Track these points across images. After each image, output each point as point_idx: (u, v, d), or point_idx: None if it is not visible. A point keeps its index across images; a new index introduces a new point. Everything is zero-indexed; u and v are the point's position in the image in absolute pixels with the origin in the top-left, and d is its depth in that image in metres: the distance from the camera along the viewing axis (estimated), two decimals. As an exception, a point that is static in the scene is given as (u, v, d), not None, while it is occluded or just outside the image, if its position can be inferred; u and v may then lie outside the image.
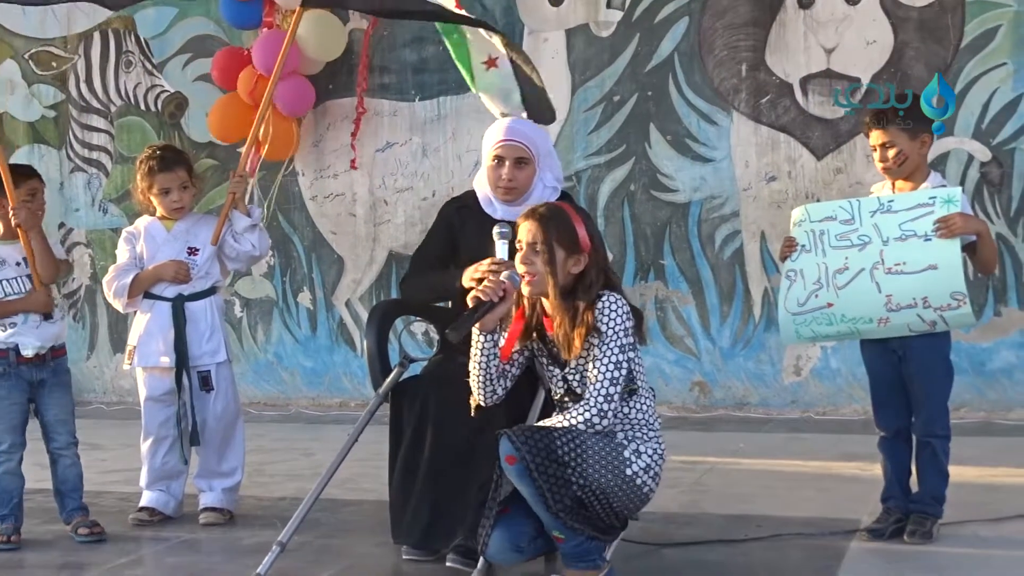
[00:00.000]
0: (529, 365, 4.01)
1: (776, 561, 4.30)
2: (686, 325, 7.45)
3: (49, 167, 8.50)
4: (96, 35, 8.58)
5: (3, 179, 4.83)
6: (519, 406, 4.11)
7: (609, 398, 3.76)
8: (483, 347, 3.89)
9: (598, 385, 3.76)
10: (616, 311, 3.78)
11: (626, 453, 3.77)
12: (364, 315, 7.73)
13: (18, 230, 4.81)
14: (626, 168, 7.49)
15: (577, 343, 3.77)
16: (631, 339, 3.80)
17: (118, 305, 5.09)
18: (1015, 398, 6.90)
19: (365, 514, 5.09)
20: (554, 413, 3.91)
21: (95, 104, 8.63)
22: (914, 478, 4.50)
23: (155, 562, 4.64)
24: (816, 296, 4.42)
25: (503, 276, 3.92)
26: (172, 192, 5.03)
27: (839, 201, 4.56)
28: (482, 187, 4.56)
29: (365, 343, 4.73)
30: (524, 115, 4.90)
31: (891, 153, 4.39)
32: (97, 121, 8.63)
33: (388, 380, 4.37)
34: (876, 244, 4.35)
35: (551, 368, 3.92)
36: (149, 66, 8.47)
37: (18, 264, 4.84)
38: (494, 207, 4.52)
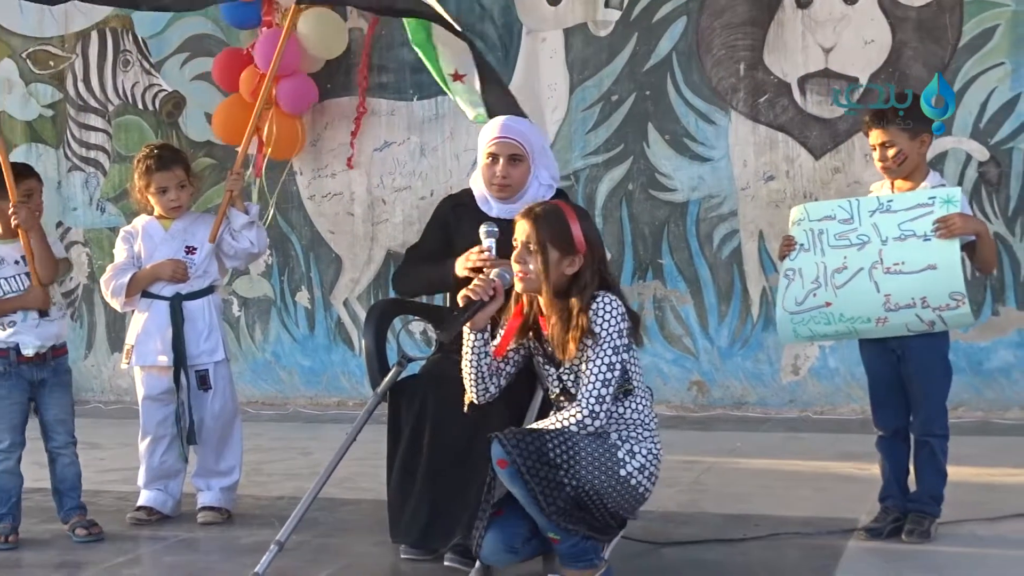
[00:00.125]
0: (527, 364, 4.01)
1: (774, 560, 4.30)
2: (684, 324, 7.45)
3: (47, 166, 8.49)
4: (94, 34, 8.57)
5: (5, 177, 4.83)
6: (517, 405, 4.12)
7: (601, 399, 3.75)
8: (473, 346, 3.90)
9: (590, 386, 3.75)
10: (610, 312, 3.77)
11: (620, 454, 3.76)
12: (362, 314, 7.73)
13: (18, 230, 4.81)
14: (624, 167, 7.49)
15: (571, 347, 3.76)
16: (626, 340, 3.79)
17: (116, 304, 5.08)
18: (1013, 397, 6.90)
19: (363, 513, 5.09)
20: (551, 412, 3.91)
21: (93, 103, 8.63)
22: (912, 477, 4.50)
23: (153, 561, 4.63)
24: (814, 295, 4.42)
25: (493, 275, 3.92)
26: (170, 191, 5.03)
27: (838, 200, 4.56)
28: (478, 185, 4.56)
29: (363, 342, 4.73)
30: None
31: (891, 153, 4.39)
32: (95, 120, 8.63)
33: (386, 379, 4.36)
34: (875, 244, 4.35)
35: (547, 367, 3.92)
36: (147, 65, 8.47)
37: (17, 263, 4.84)
38: (490, 205, 4.52)
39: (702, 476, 5.67)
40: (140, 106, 8.50)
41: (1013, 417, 6.83)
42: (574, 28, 7.55)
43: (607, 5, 7.48)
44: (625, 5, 7.44)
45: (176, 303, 5.00)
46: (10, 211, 4.79)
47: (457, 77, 5.16)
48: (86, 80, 8.62)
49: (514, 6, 7.63)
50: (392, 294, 5.17)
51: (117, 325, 8.44)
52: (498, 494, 3.81)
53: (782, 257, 4.55)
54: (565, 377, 3.86)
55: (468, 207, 4.57)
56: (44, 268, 4.83)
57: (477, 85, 5.08)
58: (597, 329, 3.75)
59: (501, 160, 4.45)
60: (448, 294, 4.62)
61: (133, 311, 5.11)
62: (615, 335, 3.76)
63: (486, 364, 3.92)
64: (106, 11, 8.28)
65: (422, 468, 4.28)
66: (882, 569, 4.22)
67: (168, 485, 5.09)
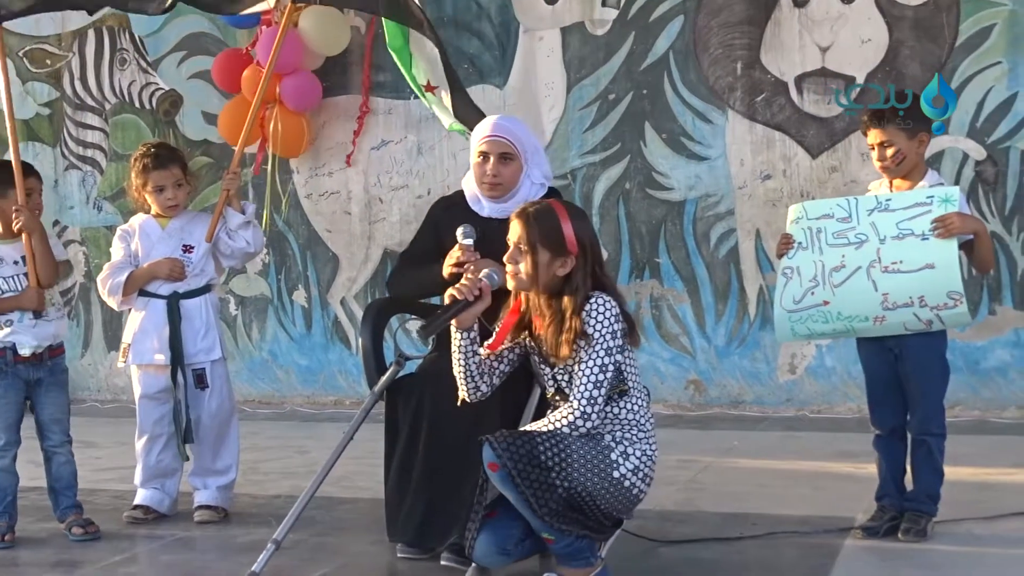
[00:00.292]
0: (524, 362, 4.01)
1: (771, 559, 4.30)
2: (681, 323, 7.45)
3: (43, 165, 8.47)
4: (91, 33, 8.57)
5: (16, 178, 4.84)
6: (514, 403, 4.11)
7: (592, 401, 3.74)
8: (460, 344, 3.89)
9: (582, 388, 3.74)
10: (604, 313, 3.75)
11: (613, 456, 3.75)
12: (359, 313, 7.72)
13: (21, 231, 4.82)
14: (621, 166, 7.49)
15: (565, 349, 3.75)
16: (619, 340, 3.77)
17: (113, 303, 5.08)
18: (1009, 397, 6.91)
19: (360, 512, 5.09)
20: (548, 411, 3.90)
21: (89, 102, 8.62)
22: (909, 476, 4.50)
23: (149, 560, 4.63)
24: (812, 294, 4.42)
25: (482, 275, 3.91)
26: (167, 190, 5.03)
27: (837, 199, 4.56)
28: (470, 185, 4.56)
29: (360, 341, 4.73)
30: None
31: (889, 152, 4.39)
32: (92, 119, 8.62)
33: (384, 378, 4.36)
34: (873, 242, 4.35)
35: (543, 366, 3.91)
36: (144, 64, 8.47)
37: (16, 263, 4.83)
38: (481, 204, 4.51)
39: (699, 475, 5.67)
40: (137, 105, 8.49)
41: (1010, 416, 6.83)
42: (571, 27, 7.55)
43: (604, 4, 7.47)
44: (622, 4, 7.43)
45: (173, 302, 5.00)
46: (13, 212, 4.79)
47: (429, 88, 5.17)
48: (83, 79, 8.62)
49: (511, 5, 7.63)
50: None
51: (114, 324, 8.44)
52: (491, 496, 3.80)
53: (780, 255, 4.54)
54: (560, 377, 3.85)
55: (460, 207, 4.56)
56: (45, 270, 4.83)
57: (447, 99, 5.08)
58: (590, 330, 3.73)
59: (491, 159, 4.44)
60: (442, 296, 4.62)
61: (130, 310, 5.11)
62: (608, 336, 3.75)
63: (474, 363, 3.91)
64: (103, 10, 8.26)
65: (419, 467, 4.28)
66: (879, 568, 4.22)
67: (165, 484, 5.09)
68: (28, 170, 5.07)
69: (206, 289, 5.10)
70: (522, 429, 3.85)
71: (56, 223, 8.57)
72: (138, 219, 5.14)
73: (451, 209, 4.60)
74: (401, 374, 4.42)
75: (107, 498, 5.42)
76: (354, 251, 8.08)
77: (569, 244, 3.79)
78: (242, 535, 4.79)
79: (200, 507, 5.05)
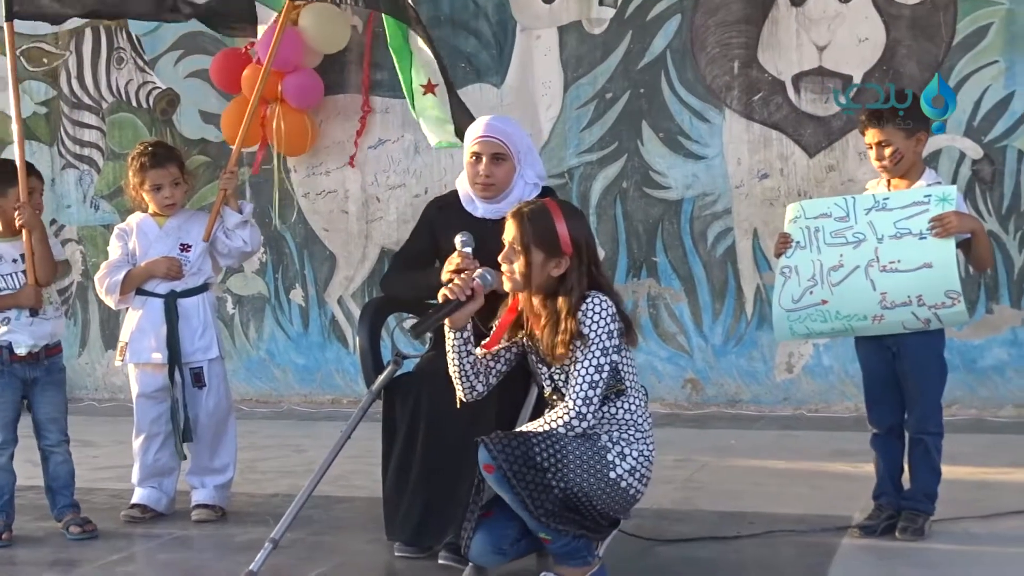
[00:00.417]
0: (522, 362, 4.01)
1: (768, 558, 4.30)
2: (678, 322, 7.45)
3: (41, 163, 8.42)
4: (87, 31, 8.56)
5: (19, 175, 4.83)
6: (512, 403, 4.11)
7: (588, 401, 3.74)
8: (454, 344, 3.89)
9: (577, 388, 3.74)
10: (599, 313, 3.74)
11: (609, 456, 3.75)
12: (356, 312, 7.72)
13: (21, 229, 4.81)
14: (618, 165, 7.49)
15: (561, 349, 3.75)
16: (615, 340, 3.76)
17: (110, 302, 5.08)
18: (1006, 395, 6.91)
19: (358, 511, 5.09)
20: (546, 410, 3.90)
21: (87, 101, 8.61)
22: (906, 475, 4.51)
23: (147, 559, 4.63)
24: (811, 293, 4.42)
25: (475, 275, 3.91)
26: (164, 188, 5.03)
27: (834, 198, 4.56)
28: (463, 186, 4.56)
29: (357, 340, 4.72)
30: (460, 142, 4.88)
31: (887, 152, 4.39)
32: (89, 118, 8.62)
33: (381, 377, 4.36)
34: (871, 242, 4.35)
35: (540, 366, 3.91)
36: (141, 63, 8.46)
37: (14, 261, 4.83)
38: (475, 205, 4.51)
39: (696, 474, 5.68)
40: (134, 103, 8.49)
41: (1007, 415, 6.84)
42: (568, 26, 7.55)
43: (601, 3, 7.47)
44: (619, 3, 7.43)
45: (170, 300, 5.00)
46: (15, 208, 4.79)
47: (429, 88, 5.14)
48: (80, 77, 8.61)
49: (508, 4, 7.63)
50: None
51: (111, 322, 8.44)
52: (487, 496, 3.80)
53: (778, 254, 4.54)
54: (557, 377, 3.85)
55: (453, 208, 4.56)
56: (43, 268, 4.83)
57: (446, 97, 5.07)
58: (586, 331, 3.73)
59: (484, 159, 4.44)
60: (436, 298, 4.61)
61: (127, 308, 5.11)
62: (604, 336, 3.74)
63: (469, 363, 3.91)
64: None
65: (417, 466, 4.28)
66: (876, 567, 4.22)
67: (162, 483, 5.09)
68: (29, 170, 5.07)
69: (203, 288, 5.09)
70: (518, 430, 3.85)
71: (53, 222, 8.56)
72: (135, 218, 5.14)
73: (445, 209, 4.59)
74: (398, 373, 4.42)
75: (104, 497, 5.41)
76: (351, 250, 8.08)
77: (563, 244, 3.78)
78: (240, 534, 4.79)
79: (197, 506, 5.05)
